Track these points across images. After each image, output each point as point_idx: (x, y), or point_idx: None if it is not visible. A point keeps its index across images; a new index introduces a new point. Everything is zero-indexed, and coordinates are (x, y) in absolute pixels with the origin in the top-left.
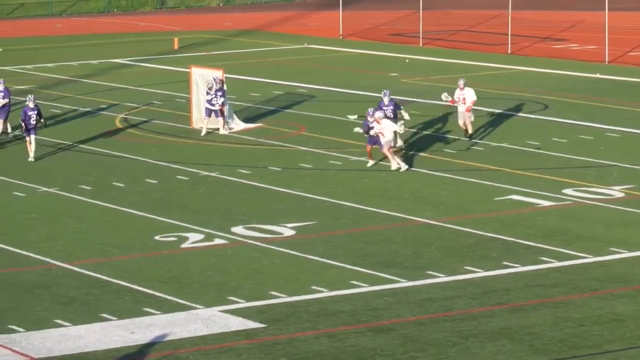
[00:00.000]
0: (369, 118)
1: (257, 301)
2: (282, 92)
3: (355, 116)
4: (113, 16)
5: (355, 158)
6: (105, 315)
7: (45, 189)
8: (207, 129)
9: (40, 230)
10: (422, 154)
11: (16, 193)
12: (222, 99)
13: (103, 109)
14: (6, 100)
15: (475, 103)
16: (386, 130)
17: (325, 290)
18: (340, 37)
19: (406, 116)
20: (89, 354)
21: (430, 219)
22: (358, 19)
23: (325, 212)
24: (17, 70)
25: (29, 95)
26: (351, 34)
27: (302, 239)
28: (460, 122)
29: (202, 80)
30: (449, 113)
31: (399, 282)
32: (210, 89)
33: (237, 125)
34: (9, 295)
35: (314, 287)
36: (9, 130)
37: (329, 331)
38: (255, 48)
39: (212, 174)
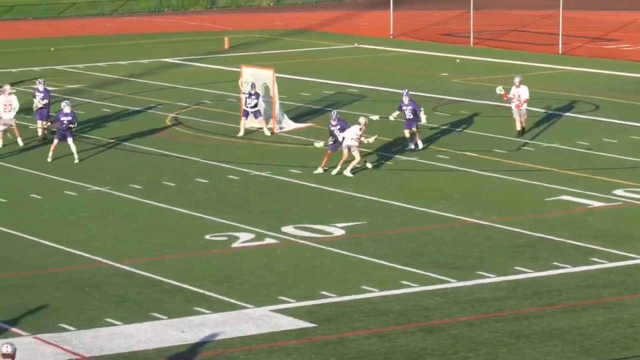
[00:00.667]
0: (332, 122)
1: (308, 301)
2: (332, 92)
3: (322, 144)
4: (164, 16)
5: (406, 158)
6: (155, 314)
7: (96, 188)
8: (247, 128)
9: (91, 229)
10: (472, 154)
11: (67, 192)
12: (255, 101)
13: (153, 109)
14: (46, 101)
15: (527, 103)
16: (363, 138)
17: (376, 290)
18: (391, 37)
19: (424, 119)
20: (139, 353)
21: (481, 219)
22: (409, 18)
23: (376, 212)
24: (68, 69)
25: (65, 101)
26: (402, 33)
27: (352, 239)
28: (517, 120)
29: (253, 79)
30: (499, 114)
31: (449, 282)
32: (251, 89)
33: (288, 125)
34: (61, 294)
35: (364, 287)
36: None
37: (379, 331)
38: (305, 48)
39: (263, 174)
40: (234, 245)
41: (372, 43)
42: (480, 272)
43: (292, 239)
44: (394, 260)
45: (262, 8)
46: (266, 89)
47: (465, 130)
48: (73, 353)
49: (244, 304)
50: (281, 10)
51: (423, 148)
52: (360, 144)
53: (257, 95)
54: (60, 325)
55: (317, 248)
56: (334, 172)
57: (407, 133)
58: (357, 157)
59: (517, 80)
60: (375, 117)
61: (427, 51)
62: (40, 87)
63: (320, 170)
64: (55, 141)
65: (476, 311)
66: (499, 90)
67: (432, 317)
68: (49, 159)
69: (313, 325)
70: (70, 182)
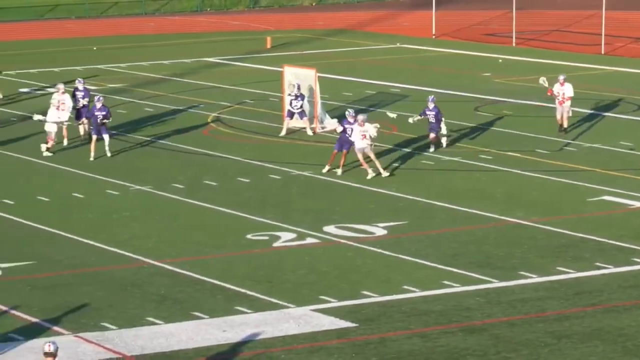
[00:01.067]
0: (349, 119)
1: (349, 300)
2: (374, 92)
3: (395, 115)
4: (206, 15)
5: (448, 158)
6: (197, 313)
7: (138, 187)
8: (289, 128)
9: (133, 228)
10: (514, 154)
11: (110, 191)
12: (301, 102)
13: (196, 108)
14: (87, 100)
15: (570, 100)
16: (369, 132)
17: (417, 290)
18: (433, 36)
19: (444, 130)
20: (181, 352)
21: (523, 219)
22: (451, 18)
23: (418, 212)
24: (111, 68)
25: (98, 96)
26: (444, 33)
27: (394, 239)
28: (558, 116)
29: (296, 79)
30: (542, 114)
31: (491, 282)
32: (297, 90)
33: (330, 124)
34: (103, 293)
35: (405, 287)
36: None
37: (420, 331)
38: (347, 47)
39: (305, 173)
40: (276, 244)
41: (414, 43)
42: (522, 273)
43: (334, 238)
44: (436, 260)
45: (304, 7)
46: (308, 88)
47: (508, 130)
48: (114, 352)
49: (285, 304)
50: (323, 9)
51: (445, 147)
52: (372, 139)
53: (302, 96)
54: (102, 324)
55: (359, 248)
56: (338, 172)
57: (431, 136)
58: (372, 156)
59: (561, 78)
60: (393, 115)
61: (470, 51)
62: (80, 87)
63: (326, 169)
64: (94, 137)
65: (518, 311)
66: (543, 81)
67: (473, 318)
68: (91, 158)
69: (354, 325)
70: (112, 182)
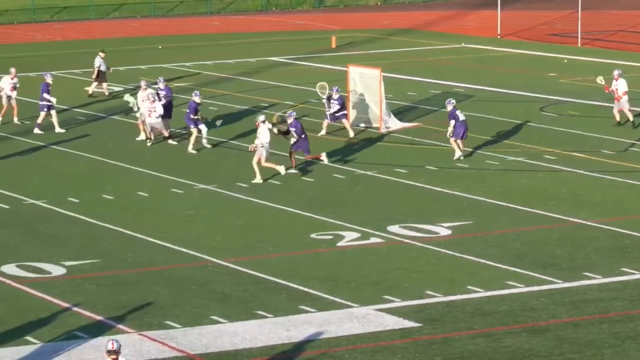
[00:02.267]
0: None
1: (413, 300)
2: (439, 92)
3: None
4: (271, 14)
5: (512, 158)
6: (260, 312)
7: (202, 186)
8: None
9: (198, 227)
10: (579, 154)
11: (174, 190)
12: (337, 106)
13: (260, 107)
14: (169, 99)
15: (626, 95)
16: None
17: (481, 290)
18: (498, 36)
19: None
20: (244, 350)
21: (587, 220)
22: (516, 18)
23: (482, 212)
24: (175, 67)
25: (195, 91)
26: (509, 33)
27: (458, 239)
28: (615, 111)
29: (360, 79)
30: (607, 114)
31: (555, 282)
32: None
33: (394, 124)
34: (168, 292)
35: (469, 287)
36: (169, 129)
37: (484, 331)
38: (412, 47)
39: (369, 173)
40: (340, 244)
41: (479, 43)
42: (587, 273)
43: (398, 238)
44: (500, 261)
45: (369, 7)
46: (373, 88)
47: (573, 131)
48: (178, 350)
49: (349, 303)
50: (388, 9)
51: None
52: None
53: (340, 99)
54: (166, 322)
55: (423, 247)
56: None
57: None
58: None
59: (615, 73)
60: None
61: (535, 51)
62: (162, 85)
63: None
64: (194, 130)
65: (582, 312)
66: (600, 80)
67: (537, 318)
68: (192, 151)
69: (418, 324)
70: (177, 180)
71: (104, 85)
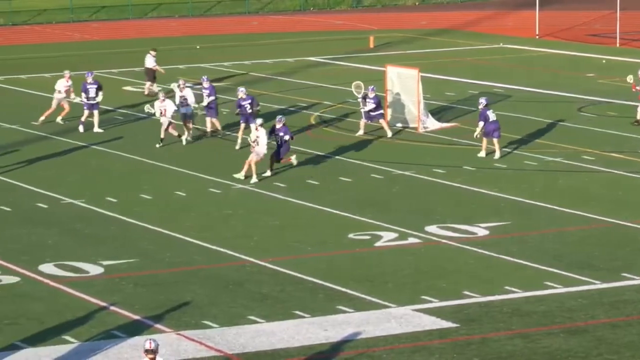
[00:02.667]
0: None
1: (451, 300)
2: (477, 92)
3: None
4: (309, 14)
5: (551, 158)
6: (298, 312)
7: (240, 185)
8: (392, 128)
9: (235, 227)
10: (618, 155)
11: (212, 190)
12: (373, 105)
13: (298, 107)
14: (212, 98)
15: None
16: (260, 139)
17: (519, 290)
18: (537, 36)
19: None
20: (282, 350)
21: (625, 221)
22: (555, 18)
23: (520, 213)
24: (214, 67)
25: (240, 87)
26: (548, 34)
27: (496, 239)
28: (639, 109)
29: (398, 79)
30: None
31: (593, 283)
32: (370, 92)
33: (432, 124)
34: (205, 291)
35: (507, 288)
36: (219, 127)
37: (522, 332)
38: (450, 47)
39: (407, 173)
40: (377, 244)
41: (517, 43)
42: (625, 274)
43: (436, 238)
44: (538, 261)
45: (408, 7)
46: (411, 88)
47: (611, 131)
48: (215, 350)
49: (386, 303)
50: (426, 9)
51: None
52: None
53: (376, 98)
54: (204, 322)
55: (461, 248)
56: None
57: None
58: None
59: None
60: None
61: (573, 51)
62: (206, 84)
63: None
64: (242, 125)
65: (620, 313)
66: (629, 79)
67: (575, 319)
68: (237, 147)
69: (456, 325)
70: (214, 180)
71: (150, 84)
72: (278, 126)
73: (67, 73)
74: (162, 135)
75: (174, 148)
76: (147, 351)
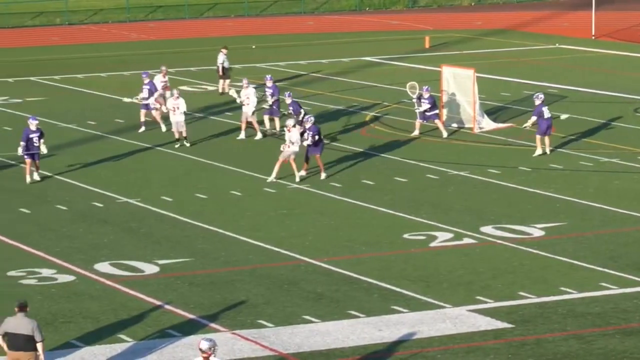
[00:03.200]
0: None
1: (506, 301)
2: (532, 92)
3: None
4: (365, 14)
5: (606, 159)
6: (353, 312)
7: (295, 185)
8: (448, 129)
9: (290, 226)
10: None
11: (267, 189)
12: (428, 105)
13: (354, 107)
14: (275, 98)
15: None
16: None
17: (574, 291)
18: (593, 37)
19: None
20: (337, 350)
21: None
22: (611, 19)
23: (575, 213)
24: (269, 67)
25: (287, 92)
26: (604, 34)
27: (551, 240)
28: None
29: (453, 79)
30: None
31: None
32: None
33: (488, 124)
34: (261, 291)
35: (562, 289)
36: (277, 128)
37: (577, 333)
38: (506, 47)
39: (462, 173)
40: (432, 244)
41: (573, 43)
42: None
43: (491, 239)
44: (593, 262)
45: (463, 7)
46: (466, 88)
47: None
48: (270, 349)
49: (441, 304)
50: (482, 9)
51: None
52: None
53: (431, 98)
54: (259, 321)
55: (516, 248)
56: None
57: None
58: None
59: None
60: (564, 117)
61: (630, 52)
62: (269, 84)
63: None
64: (266, 117)
65: None
66: None
67: (631, 320)
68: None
69: (511, 325)
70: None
71: (227, 82)
72: (307, 126)
73: (163, 69)
74: (179, 136)
75: (230, 147)
76: (202, 350)
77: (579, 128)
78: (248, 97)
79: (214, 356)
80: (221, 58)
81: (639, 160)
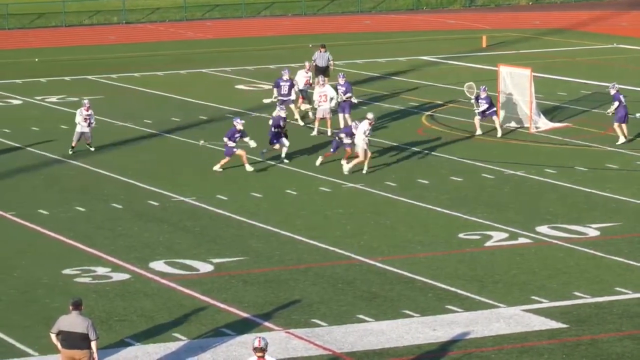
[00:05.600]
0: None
1: (561, 301)
2: (590, 92)
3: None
4: (422, 13)
5: None
6: (407, 311)
7: (350, 184)
8: (503, 128)
9: (345, 225)
10: None
11: (322, 188)
12: (485, 105)
13: (410, 106)
14: (349, 95)
15: None
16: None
17: (630, 292)
18: None
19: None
20: (390, 349)
21: None
22: None
23: (631, 213)
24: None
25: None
26: None
27: (606, 240)
28: None
29: (510, 78)
30: None
31: None
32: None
33: (545, 124)
34: (316, 290)
35: (618, 289)
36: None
37: (632, 333)
38: (564, 47)
39: (518, 173)
40: (487, 244)
41: (631, 43)
42: None
43: (546, 239)
44: None
45: (521, 7)
46: (523, 88)
47: None
48: (324, 348)
49: (496, 303)
50: (540, 9)
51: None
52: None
53: (487, 98)
54: (312, 320)
55: (571, 248)
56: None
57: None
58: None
59: None
60: (637, 115)
61: None
62: (342, 81)
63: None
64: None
65: None
66: None
67: None
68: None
69: (565, 325)
70: (325, 179)
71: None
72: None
73: (307, 64)
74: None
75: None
76: (255, 349)
77: (635, 128)
78: (325, 94)
79: (268, 355)
80: (325, 57)
81: None
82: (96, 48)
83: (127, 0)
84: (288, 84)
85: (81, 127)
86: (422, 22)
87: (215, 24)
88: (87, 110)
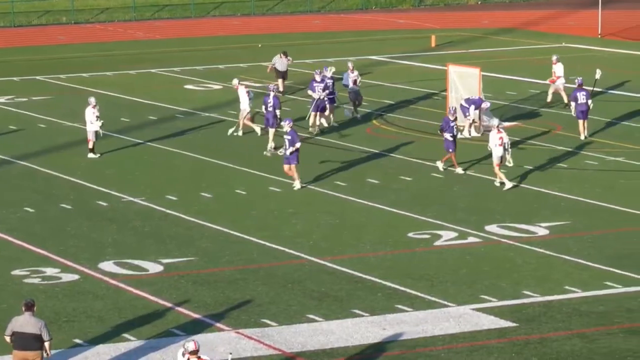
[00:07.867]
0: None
1: (510, 300)
2: (538, 91)
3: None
4: (371, 13)
5: (612, 158)
6: (357, 311)
7: (302, 184)
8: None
9: (295, 225)
10: None
11: (273, 188)
12: (486, 104)
13: (360, 106)
14: (328, 92)
15: None
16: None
17: (579, 290)
18: (599, 36)
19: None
20: (340, 349)
21: None
22: (618, 18)
23: (580, 212)
24: None
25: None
26: (610, 33)
27: (556, 239)
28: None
29: (459, 78)
30: None
31: None
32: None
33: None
34: (265, 290)
35: (567, 287)
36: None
37: (581, 332)
38: (512, 46)
39: (467, 172)
40: (437, 243)
41: (580, 42)
42: None
43: (496, 238)
44: (598, 261)
45: (469, 6)
46: (472, 87)
47: None
48: (274, 348)
49: (445, 302)
50: (488, 8)
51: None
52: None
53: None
54: (262, 320)
55: (521, 247)
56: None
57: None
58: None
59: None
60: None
61: (637, 51)
62: (318, 78)
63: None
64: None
65: None
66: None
67: (635, 319)
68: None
69: (515, 324)
70: (275, 179)
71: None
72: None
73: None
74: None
75: (235, 147)
76: (192, 352)
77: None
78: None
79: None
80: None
81: None
82: (45, 48)
83: (75, 0)
84: (322, 84)
85: (94, 125)
86: (371, 22)
87: (164, 24)
88: (94, 108)
